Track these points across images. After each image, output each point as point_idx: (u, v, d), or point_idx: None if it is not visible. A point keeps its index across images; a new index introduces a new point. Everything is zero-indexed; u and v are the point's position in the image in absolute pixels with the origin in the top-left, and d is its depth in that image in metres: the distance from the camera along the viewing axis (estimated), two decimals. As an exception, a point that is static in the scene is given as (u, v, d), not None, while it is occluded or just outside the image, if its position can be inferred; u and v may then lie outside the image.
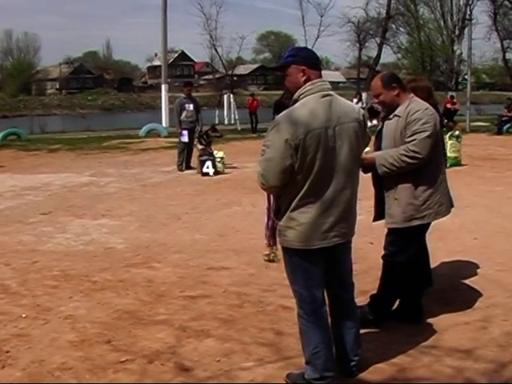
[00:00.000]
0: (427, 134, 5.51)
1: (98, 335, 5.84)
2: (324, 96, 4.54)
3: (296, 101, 4.58)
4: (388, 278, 5.89)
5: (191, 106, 17.79)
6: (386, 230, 5.86)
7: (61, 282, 7.47)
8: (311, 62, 4.64)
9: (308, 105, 4.49)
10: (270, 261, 4.85)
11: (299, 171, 4.42)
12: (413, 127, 5.52)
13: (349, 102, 4.82)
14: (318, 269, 4.70)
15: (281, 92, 20.59)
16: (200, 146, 17.20)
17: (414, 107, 5.62)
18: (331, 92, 4.62)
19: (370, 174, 5.73)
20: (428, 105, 5.77)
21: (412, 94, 5.81)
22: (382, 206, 5.79)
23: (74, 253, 8.86)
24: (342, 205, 4.58)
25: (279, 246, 4.94)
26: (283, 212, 4.61)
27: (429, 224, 5.88)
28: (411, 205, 5.60)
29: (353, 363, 4.97)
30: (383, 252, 5.92)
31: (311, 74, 4.59)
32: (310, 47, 45.27)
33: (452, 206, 6.01)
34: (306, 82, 4.58)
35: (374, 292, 6.06)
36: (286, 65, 4.69)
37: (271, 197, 4.75)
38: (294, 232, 4.57)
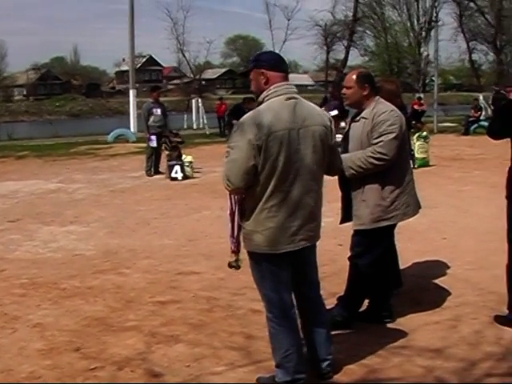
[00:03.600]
0: (393, 135, 5.55)
1: (66, 343, 5.78)
2: (289, 98, 4.56)
3: (260, 103, 4.61)
4: (355, 278, 5.91)
5: (159, 111, 17.70)
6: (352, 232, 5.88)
7: (29, 290, 7.39)
8: (271, 64, 4.66)
9: (272, 107, 4.51)
10: (233, 267, 4.84)
11: (262, 172, 4.43)
12: (379, 129, 5.55)
13: (315, 106, 4.83)
14: (286, 272, 4.71)
15: (249, 96, 20.38)
16: (166, 152, 17.18)
17: (381, 109, 5.66)
18: (296, 95, 4.64)
19: (336, 176, 5.73)
20: (394, 107, 5.80)
21: (378, 96, 5.84)
22: (348, 207, 5.80)
23: (42, 260, 8.77)
24: (308, 208, 4.60)
25: (244, 251, 4.88)
26: (248, 215, 4.62)
27: (395, 225, 5.92)
28: (379, 206, 5.62)
29: (326, 363, 4.96)
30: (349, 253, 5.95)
31: (272, 77, 4.61)
32: (277, 51, 45.39)
33: (419, 207, 6.05)
34: (266, 84, 4.61)
35: (342, 294, 6.07)
36: (249, 70, 4.76)
37: (233, 201, 4.74)
38: (260, 236, 4.57)
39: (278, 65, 4.69)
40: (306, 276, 4.91)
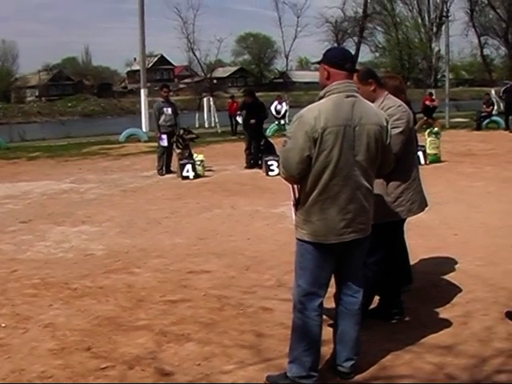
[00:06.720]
0: (399, 130, 5.56)
1: (77, 343, 5.80)
2: (348, 96, 4.65)
3: (321, 98, 4.73)
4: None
5: (169, 110, 17.69)
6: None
7: (40, 290, 7.41)
8: (333, 62, 4.77)
9: (331, 102, 4.62)
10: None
11: (316, 165, 4.54)
12: (385, 123, 5.55)
13: (373, 106, 4.91)
14: (330, 266, 4.78)
15: (261, 94, 20.12)
16: (178, 150, 17.23)
17: (388, 104, 5.68)
18: (356, 94, 4.73)
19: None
20: (401, 102, 5.80)
21: (387, 92, 5.85)
22: None
23: (54, 260, 8.79)
24: (359, 202, 4.67)
25: None
26: (302, 205, 4.71)
27: (402, 221, 5.91)
28: (383, 202, 5.61)
29: (351, 363, 4.95)
30: None
31: (333, 73, 4.74)
32: (287, 48, 45.45)
33: (426, 204, 6.04)
34: (327, 79, 4.75)
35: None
36: (319, 63, 4.89)
37: (296, 192, 4.81)
38: (311, 226, 4.66)
39: (340, 63, 4.75)
40: (351, 267, 4.92)
